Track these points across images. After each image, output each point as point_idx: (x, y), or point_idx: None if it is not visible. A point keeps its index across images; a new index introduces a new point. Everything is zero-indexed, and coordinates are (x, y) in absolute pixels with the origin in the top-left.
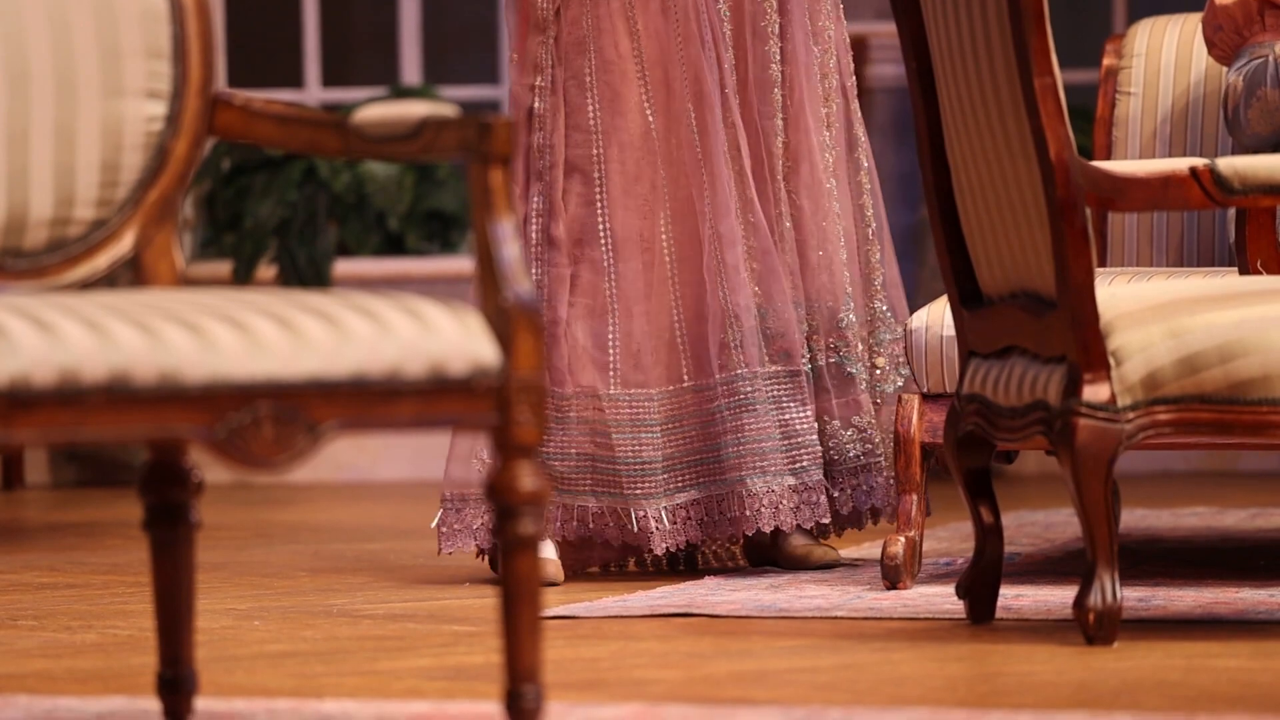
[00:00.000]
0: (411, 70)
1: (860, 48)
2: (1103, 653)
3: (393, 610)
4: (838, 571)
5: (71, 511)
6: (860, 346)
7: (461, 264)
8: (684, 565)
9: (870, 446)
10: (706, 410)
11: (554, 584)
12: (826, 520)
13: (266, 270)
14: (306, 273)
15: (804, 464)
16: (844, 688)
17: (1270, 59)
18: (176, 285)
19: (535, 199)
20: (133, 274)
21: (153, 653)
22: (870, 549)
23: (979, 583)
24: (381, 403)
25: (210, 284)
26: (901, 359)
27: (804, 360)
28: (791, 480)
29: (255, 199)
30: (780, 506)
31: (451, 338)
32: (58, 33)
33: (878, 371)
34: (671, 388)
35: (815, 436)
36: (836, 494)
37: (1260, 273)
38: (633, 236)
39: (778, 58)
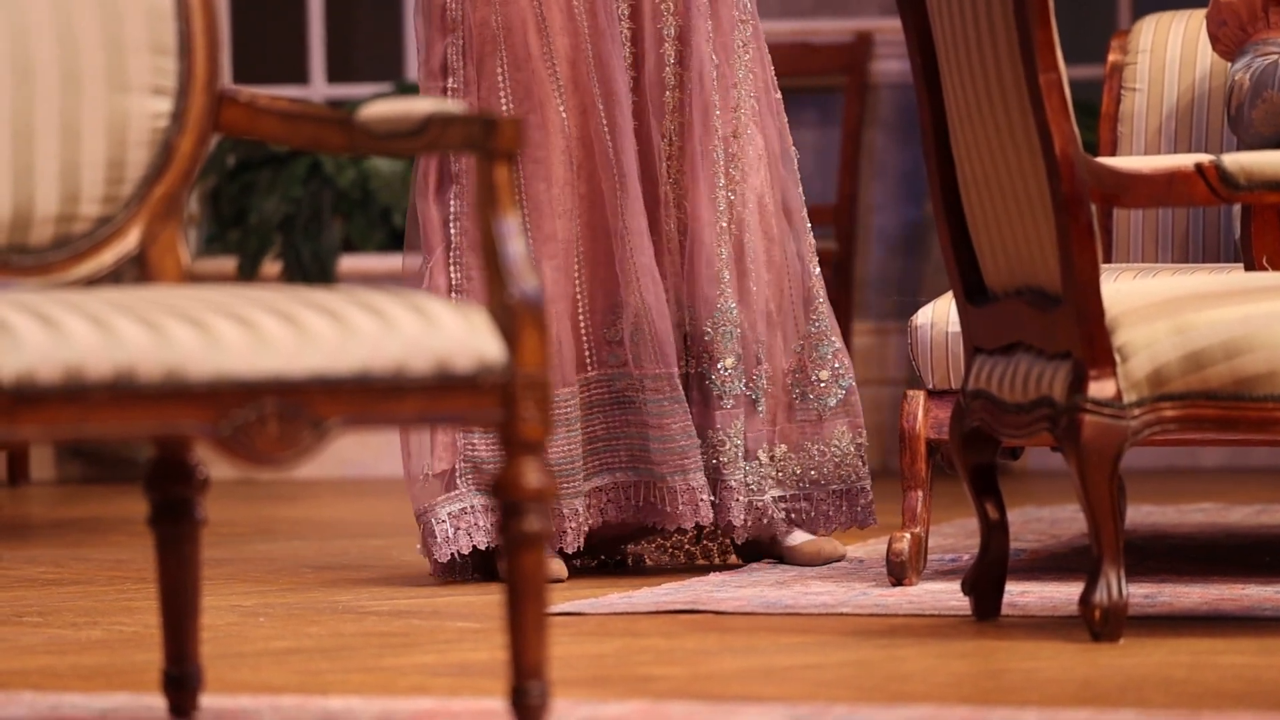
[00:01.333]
0: (416, 66)
1: (865, 43)
2: (1108, 649)
3: (397, 606)
4: (843, 568)
5: (76, 508)
6: (732, 361)
7: None
8: (604, 563)
9: (718, 461)
10: (614, 400)
11: (559, 580)
12: (709, 522)
13: (271, 266)
14: (311, 269)
15: (692, 465)
16: (849, 684)
17: (1279, 61)
18: (181, 281)
19: (453, 202)
20: (138, 270)
21: (158, 649)
22: (876, 545)
23: (984, 579)
24: (386, 399)
25: (215, 280)
26: (843, 371)
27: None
28: (700, 479)
29: (260, 195)
30: (700, 504)
31: (456, 334)
32: (63, 29)
33: (821, 385)
34: (580, 377)
35: (695, 440)
36: None
37: (1266, 269)
38: (553, 236)
39: (673, 60)
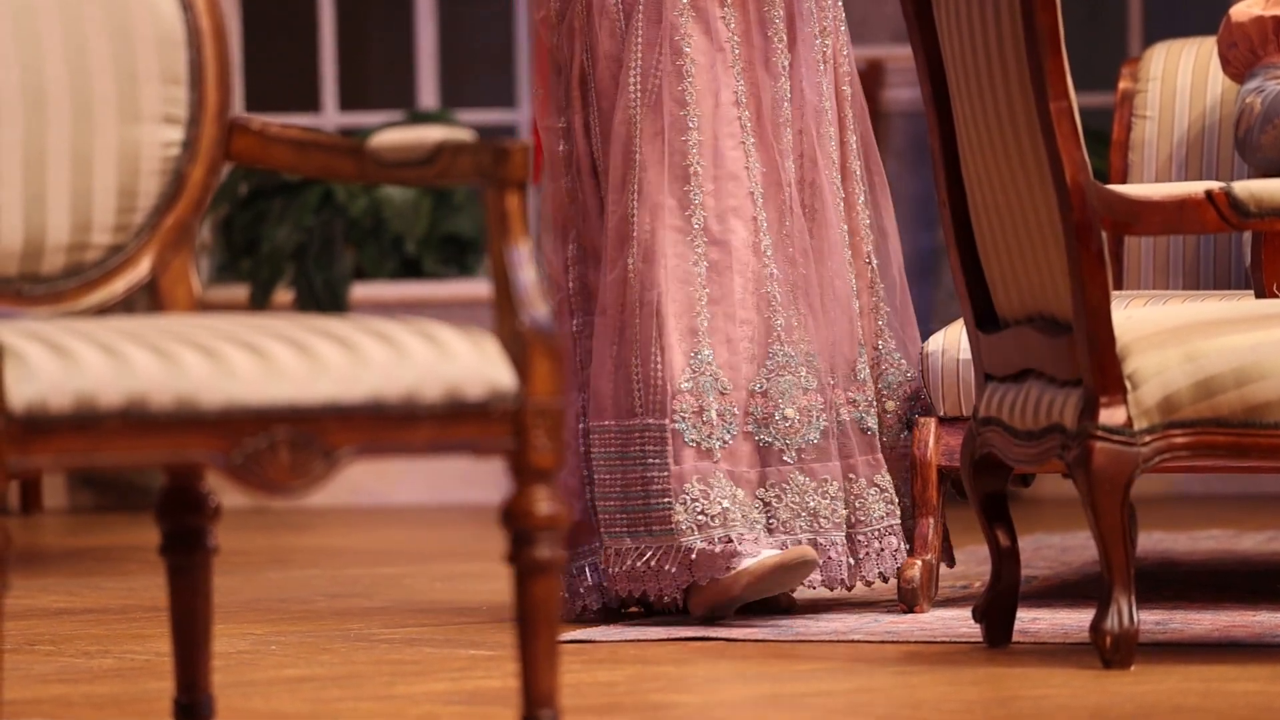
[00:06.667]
0: (428, 95)
1: (876, 71)
2: (1119, 676)
3: (409, 635)
4: (854, 594)
5: (89, 536)
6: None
7: (478, 288)
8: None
9: (892, 506)
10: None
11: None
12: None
13: (283, 295)
14: (323, 297)
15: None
16: (861, 711)
17: None
18: (193, 310)
19: (571, 247)
20: (150, 299)
21: (170, 678)
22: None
23: (996, 606)
24: (398, 427)
25: (227, 308)
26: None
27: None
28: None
29: (272, 223)
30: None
31: (468, 362)
32: (75, 59)
33: (887, 416)
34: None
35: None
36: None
37: (1276, 296)
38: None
39: (788, 95)
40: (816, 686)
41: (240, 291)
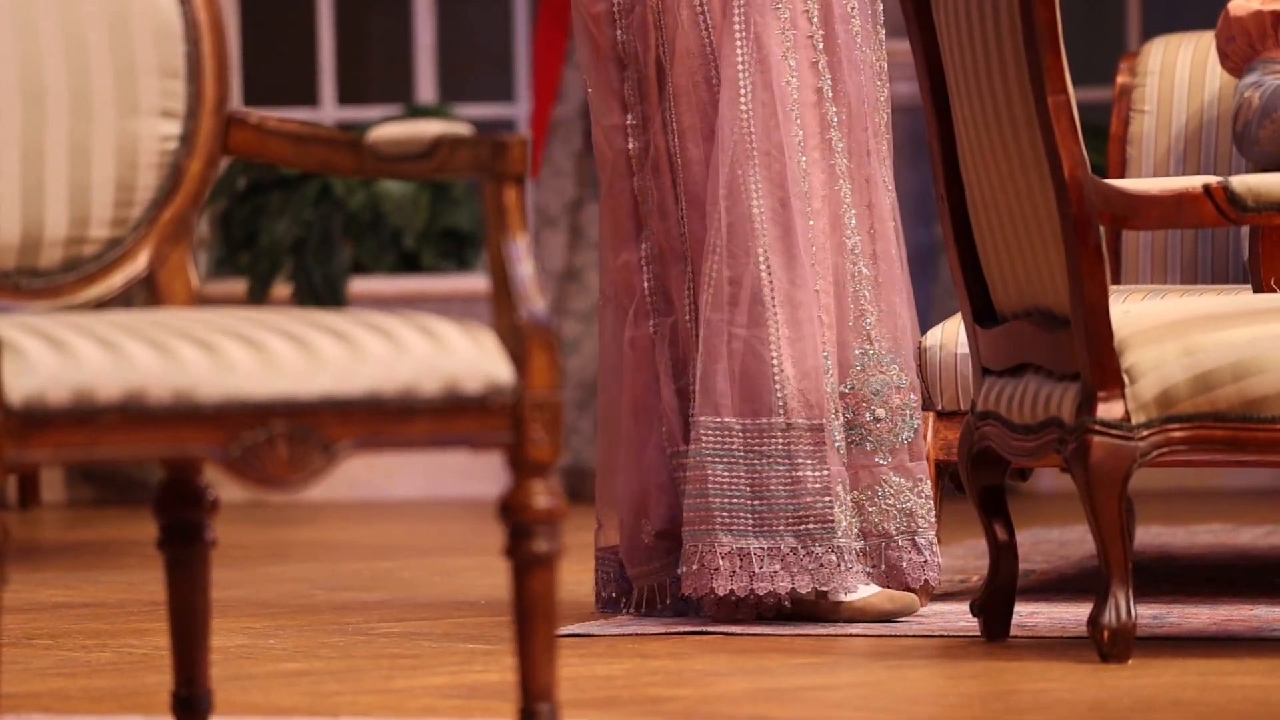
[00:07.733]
0: (427, 89)
1: None
2: (1117, 670)
3: (408, 629)
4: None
5: (87, 530)
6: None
7: (477, 282)
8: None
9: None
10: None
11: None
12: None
13: (282, 289)
14: (322, 291)
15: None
16: (859, 705)
17: None
18: (191, 304)
19: (644, 246)
20: (148, 293)
21: (168, 671)
22: None
23: (994, 600)
24: (396, 421)
25: (225, 303)
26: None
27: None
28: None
29: (271, 217)
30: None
31: (466, 356)
32: (73, 52)
33: (880, 424)
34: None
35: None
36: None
37: (1274, 290)
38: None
39: (865, 89)
40: (815, 680)
41: (238, 285)
